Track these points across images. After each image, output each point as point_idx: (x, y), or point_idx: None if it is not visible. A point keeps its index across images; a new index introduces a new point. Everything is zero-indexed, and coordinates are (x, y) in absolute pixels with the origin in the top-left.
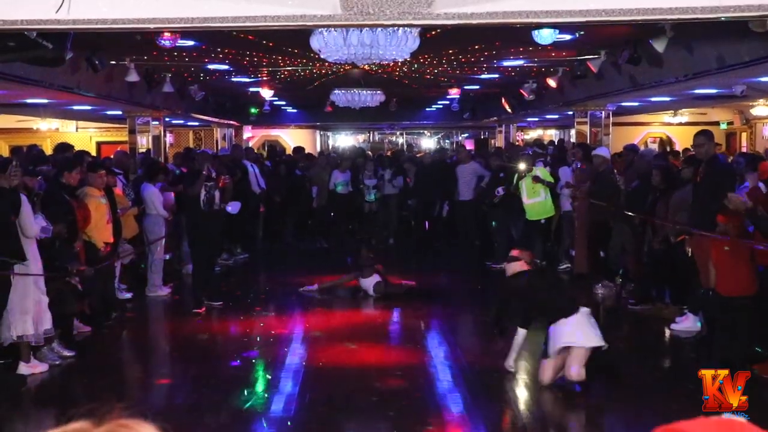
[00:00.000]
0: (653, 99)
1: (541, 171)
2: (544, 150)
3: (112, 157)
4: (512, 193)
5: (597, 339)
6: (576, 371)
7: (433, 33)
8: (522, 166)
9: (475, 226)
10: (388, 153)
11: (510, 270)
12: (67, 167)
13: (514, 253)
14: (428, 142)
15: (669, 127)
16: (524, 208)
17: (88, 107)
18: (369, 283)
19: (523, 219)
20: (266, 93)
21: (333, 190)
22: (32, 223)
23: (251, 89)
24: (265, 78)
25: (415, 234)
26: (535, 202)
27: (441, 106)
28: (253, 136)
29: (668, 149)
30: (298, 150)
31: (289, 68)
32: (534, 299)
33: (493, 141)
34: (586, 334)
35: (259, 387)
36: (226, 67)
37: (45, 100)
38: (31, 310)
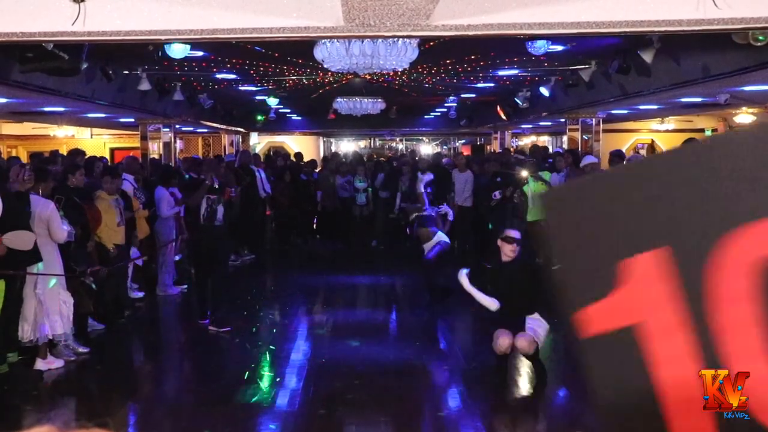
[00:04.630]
0: (641, 107)
1: (545, 174)
2: (525, 157)
3: (123, 161)
4: (510, 196)
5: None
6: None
7: (432, 44)
8: (524, 173)
9: (471, 230)
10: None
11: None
12: (71, 170)
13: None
14: (427, 148)
15: (656, 133)
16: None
17: (102, 115)
18: None
19: (518, 221)
20: (272, 101)
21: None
22: (61, 228)
23: (258, 97)
24: (271, 87)
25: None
26: (536, 203)
27: (439, 114)
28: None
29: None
30: (300, 156)
31: (294, 77)
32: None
33: (488, 147)
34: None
35: (265, 382)
36: (233, 76)
37: (61, 108)
38: (60, 311)
